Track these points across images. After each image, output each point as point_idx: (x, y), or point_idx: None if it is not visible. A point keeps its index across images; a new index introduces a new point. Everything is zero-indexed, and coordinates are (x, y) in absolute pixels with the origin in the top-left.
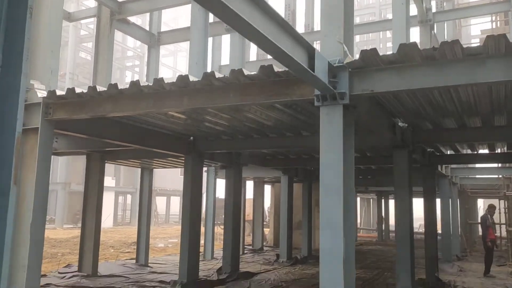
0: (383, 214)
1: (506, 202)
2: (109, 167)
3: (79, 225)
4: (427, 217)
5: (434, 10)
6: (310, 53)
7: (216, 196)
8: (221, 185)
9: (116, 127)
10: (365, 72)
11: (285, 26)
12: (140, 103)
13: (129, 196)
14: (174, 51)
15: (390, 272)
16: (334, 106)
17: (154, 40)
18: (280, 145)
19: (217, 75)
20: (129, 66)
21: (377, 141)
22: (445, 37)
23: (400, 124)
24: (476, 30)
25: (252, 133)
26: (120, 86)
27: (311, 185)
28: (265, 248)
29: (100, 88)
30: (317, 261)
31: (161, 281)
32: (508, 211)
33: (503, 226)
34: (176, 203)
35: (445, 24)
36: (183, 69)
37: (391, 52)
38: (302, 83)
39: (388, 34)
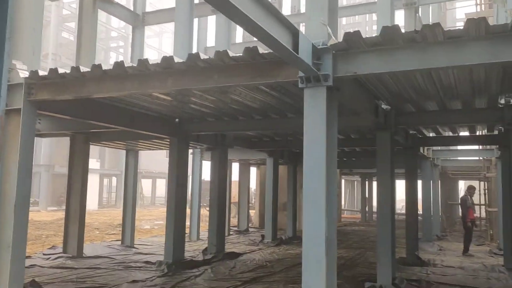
0: (366, 196)
1: (485, 183)
2: (94, 149)
3: (64, 207)
4: (408, 198)
5: None
6: (294, 35)
7: (202, 178)
8: (206, 167)
9: (100, 109)
10: (348, 55)
11: (270, 8)
12: (125, 84)
13: (114, 179)
14: (159, 32)
15: (372, 252)
16: (318, 88)
17: (138, 20)
18: (265, 127)
19: (202, 56)
20: (113, 47)
21: (361, 123)
22: (430, 20)
23: (383, 106)
24: (460, 13)
25: (238, 115)
26: (104, 67)
27: (296, 167)
28: (250, 229)
29: (83, 69)
30: (301, 242)
31: (146, 262)
32: (488, 192)
33: (483, 207)
34: (162, 186)
35: (430, 7)
36: (169, 51)
37: (376, 35)
38: (287, 65)
39: (374, 17)
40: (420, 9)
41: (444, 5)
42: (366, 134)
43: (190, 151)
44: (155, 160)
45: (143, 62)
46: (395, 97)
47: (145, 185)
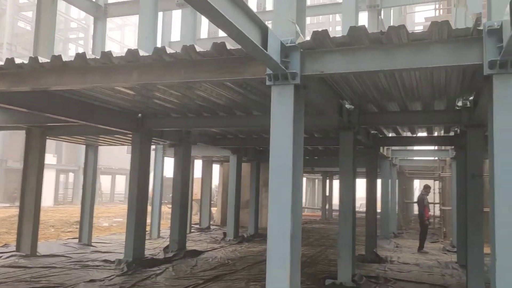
0: (327, 194)
1: (440, 183)
2: (50, 144)
3: (17, 204)
4: (368, 197)
5: None
6: (264, 31)
7: (164, 174)
8: (168, 163)
9: (59, 101)
10: (316, 53)
11: (240, 4)
12: (86, 77)
13: (71, 174)
14: (121, 25)
15: (332, 249)
16: (286, 86)
17: (100, 12)
18: (230, 124)
19: (168, 50)
20: (73, 38)
21: (325, 122)
22: (391, 23)
23: (347, 106)
24: (420, 17)
25: (203, 111)
26: (64, 59)
27: (260, 165)
28: (212, 227)
29: (42, 60)
30: (263, 239)
31: (105, 260)
32: (442, 191)
33: (437, 206)
34: (121, 182)
35: (391, 10)
36: (131, 44)
37: (343, 35)
38: (255, 61)
39: (338, 17)
40: (382, 11)
41: (404, 8)
42: (329, 133)
43: (153, 147)
44: (115, 156)
45: (107, 55)
46: (359, 97)
47: (104, 181)
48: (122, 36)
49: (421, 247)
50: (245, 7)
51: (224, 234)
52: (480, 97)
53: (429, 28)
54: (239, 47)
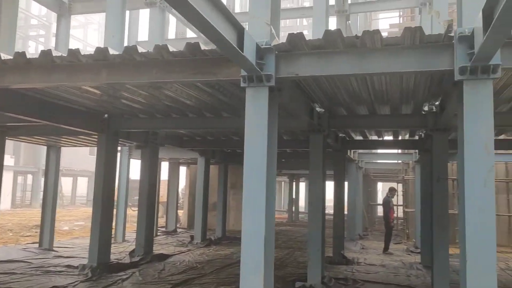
0: (294, 196)
1: (403, 185)
2: (8, 144)
3: None
4: (336, 199)
5: (349, 1)
6: (240, 32)
7: (129, 177)
8: (134, 165)
9: (20, 100)
10: (291, 56)
11: (217, 3)
12: (51, 75)
13: (30, 176)
14: (84, 23)
15: (300, 252)
16: (260, 88)
17: (64, 8)
18: (200, 125)
19: (140, 49)
20: (33, 35)
21: (297, 125)
22: (358, 28)
23: (318, 109)
24: (384, 24)
25: (171, 112)
26: (28, 56)
27: (227, 167)
28: (178, 230)
29: (4, 56)
30: (231, 242)
31: (68, 266)
32: (405, 193)
33: (400, 207)
34: (83, 184)
35: (358, 16)
36: (95, 43)
37: (318, 38)
38: (229, 63)
39: (305, 22)
40: (350, 17)
41: (370, 15)
42: (298, 136)
43: (118, 148)
44: (76, 157)
45: (74, 53)
46: (329, 100)
47: (65, 183)
48: (85, 34)
49: (386, 249)
50: (222, 7)
51: (192, 237)
52: (447, 102)
53: (402, 33)
54: (213, 47)
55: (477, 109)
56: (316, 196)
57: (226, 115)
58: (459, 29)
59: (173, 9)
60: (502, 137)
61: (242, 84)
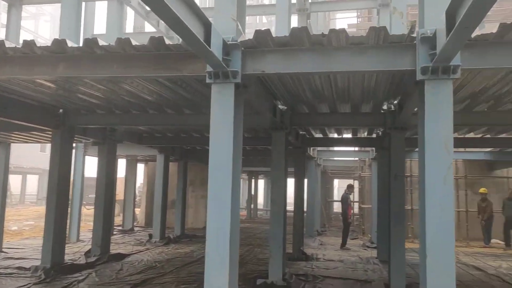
0: (252, 193)
1: (360, 182)
2: None
3: None
4: (296, 196)
5: (310, 0)
6: (207, 27)
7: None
8: (89, 162)
9: None
10: (257, 52)
11: None
12: (3, 68)
13: None
14: (36, 14)
15: (260, 248)
16: (226, 85)
17: None
18: (160, 122)
19: (101, 42)
20: None
21: (260, 122)
22: (317, 28)
23: (280, 106)
24: (341, 23)
25: (131, 108)
26: None
27: (187, 164)
28: (136, 229)
29: None
30: (190, 240)
31: (19, 267)
32: (361, 190)
33: (356, 204)
34: (33, 182)
35: (318, 15)
36: (46, 36)
37: (285, 35)
38: (194, 58)
39: (264, 19)
40: (310, 16)
41: (328, 14)
42: (258, 133)
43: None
44: (25, 153)
45: (29, 44)
46: (292, 97)
47: (13, 181)
48: (37, 26)
49: (343, 244)
50: (191, 1)
51: (150, 235)
52: (406, 102)
53: (367, 32)
54: (177, 42)
55: (438, 109)
56: (278, 194)
57: (188, 112)
58: (421, 30)
59: (131, 2)
60: (454, 135)
61: (208, 80)
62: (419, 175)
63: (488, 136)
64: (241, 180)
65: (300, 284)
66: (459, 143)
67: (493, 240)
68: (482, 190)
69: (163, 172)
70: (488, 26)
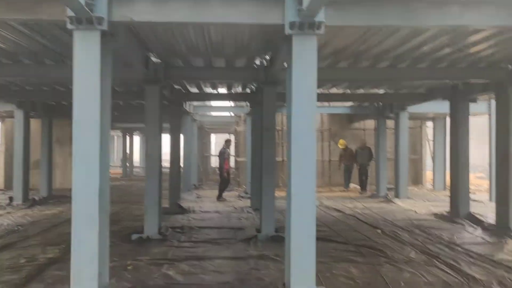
0: (128, 151)
1: (235, 136)
2: None
3: None
4: (172, 152)
5: None
6: None
7: None
8: None
9: None
10: None
11: None
12: None
13: None
14: None
15: (136, 205)
16: (91, 32)
17: None
18: (16, 73)
19: None
20: None
21: (131, 75)
22: None
23: (154, 59)
24: None
25: None
26: None
27: (52, 121)
28: None
29: None
30: (59, 201)
31: None
32: (237, 144)
33: (232, 158)
34: None
35: None
36: None
37: None
38: (52, 1)
39: None
40: None
41: None
42: (132, 87)
43: None
44: None
45: None
46: (166, 50)
47: None
48: None
49: (219, 196)
50: None
51: (10, 198)
52: (276, 57)
53: None
54: None
55: (304, 63)
56: (153, 149)
57: (50, 63)
58: None
59: None
60: (319, 91)
61: (69, 26)
62: (288, 125)
63: (348, 91)
64: (116, 137)
65: (176, 236)
66: (324, 97)
67: (352, 185)
68: (340, 143)
69: (24, 130)
70: None
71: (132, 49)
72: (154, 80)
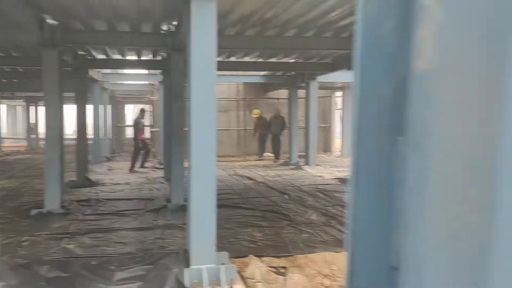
0: (33, 122)
1: (151, 106)
2: None
3: None
4: (78, 122)
5: None
6: None
7: None
8: None
9: None
10: None
11: None
12: None
13: None
14: None
15: (39, 179)
16: None
17: None
18: None
19: None
20: None
21: (23, 37)
22: None
23: (49, 21)
24: None
25: None
26: None
27: None
28: None
29: None
30: None
31: None
32: (153, 114)
33: (147, 128)
34: None
35: None
36: None
37: None
38: None
39: None
40: None
41: None
42: (30, 52)
43: None
44: None
45: None
46: (63, 11)
47: None
48: None
49: (132, 167)
50: None
51: None
52: (182, 22)
53: None
54: None
55: (203, 28)
56: (53, 119)
57: None
58: None
59: None
60: (232, 59)
61: None
62: (188, 96)
63: (261, 60)
64: (18, 107)
65: (81, 209)
66: (237, 66)
67: (266, 154)
68: (254, 112)
69: None
70: None
71: (21, 8)
72: (50, 44)
